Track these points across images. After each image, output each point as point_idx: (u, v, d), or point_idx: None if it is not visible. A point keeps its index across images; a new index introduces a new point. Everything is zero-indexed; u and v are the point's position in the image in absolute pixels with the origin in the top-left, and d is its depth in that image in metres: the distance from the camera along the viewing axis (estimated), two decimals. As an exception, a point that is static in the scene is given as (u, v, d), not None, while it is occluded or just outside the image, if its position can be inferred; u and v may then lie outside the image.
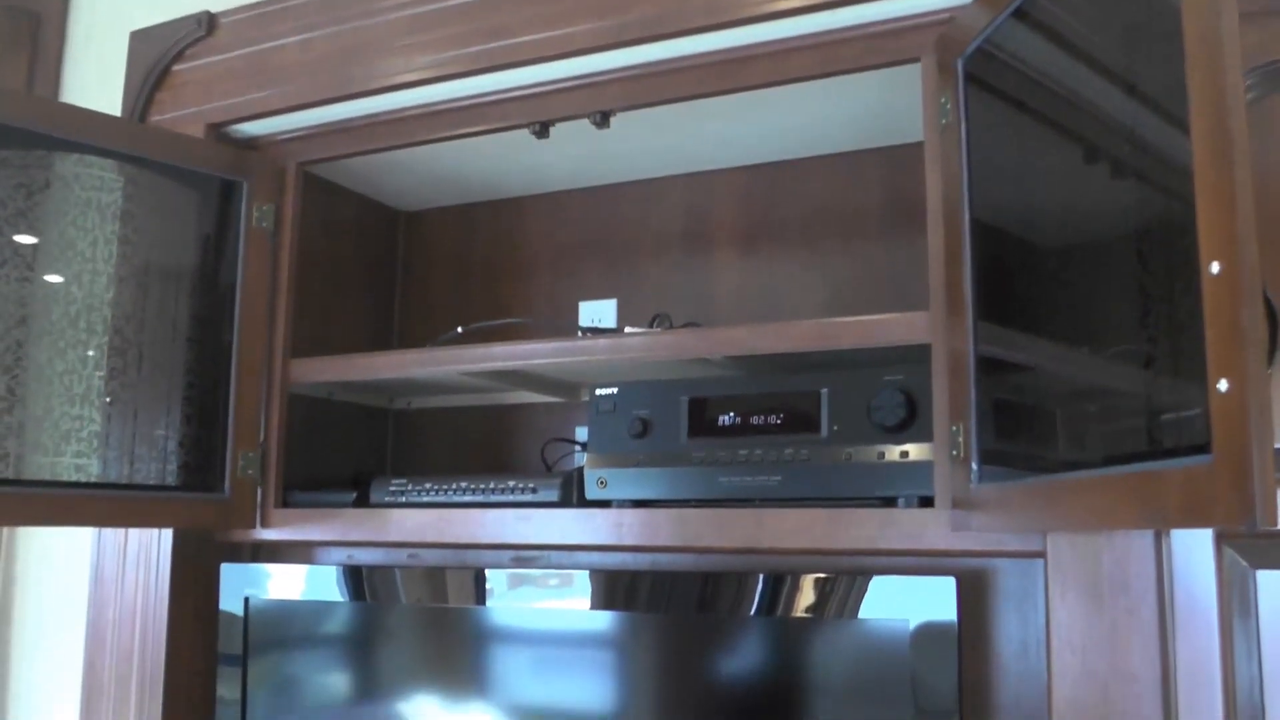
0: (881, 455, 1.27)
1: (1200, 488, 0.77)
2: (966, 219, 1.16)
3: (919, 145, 1.28)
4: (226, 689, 1.62)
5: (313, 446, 1.73)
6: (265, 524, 1.62)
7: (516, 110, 1.53)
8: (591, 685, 1.42)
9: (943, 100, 1.23)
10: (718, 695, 1.35)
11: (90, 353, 1.51)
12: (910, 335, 1.25)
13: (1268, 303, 1.00)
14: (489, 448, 1.85)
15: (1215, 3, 0.78)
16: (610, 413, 1.44)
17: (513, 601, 1.49)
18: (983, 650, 1.34)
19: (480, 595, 1.50)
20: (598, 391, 1.46)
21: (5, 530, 2.24)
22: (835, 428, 1.31)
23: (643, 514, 1.37)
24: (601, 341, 1.44)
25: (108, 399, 1.52)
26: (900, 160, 1.59)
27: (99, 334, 1.52)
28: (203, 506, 1.59)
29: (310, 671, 1.60)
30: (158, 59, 1.71)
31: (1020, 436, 1.13)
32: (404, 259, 2.00)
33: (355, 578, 1.58)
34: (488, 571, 1.50)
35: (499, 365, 1.51)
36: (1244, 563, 1.00)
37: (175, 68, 1.71)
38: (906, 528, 1.22)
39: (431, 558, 1.65)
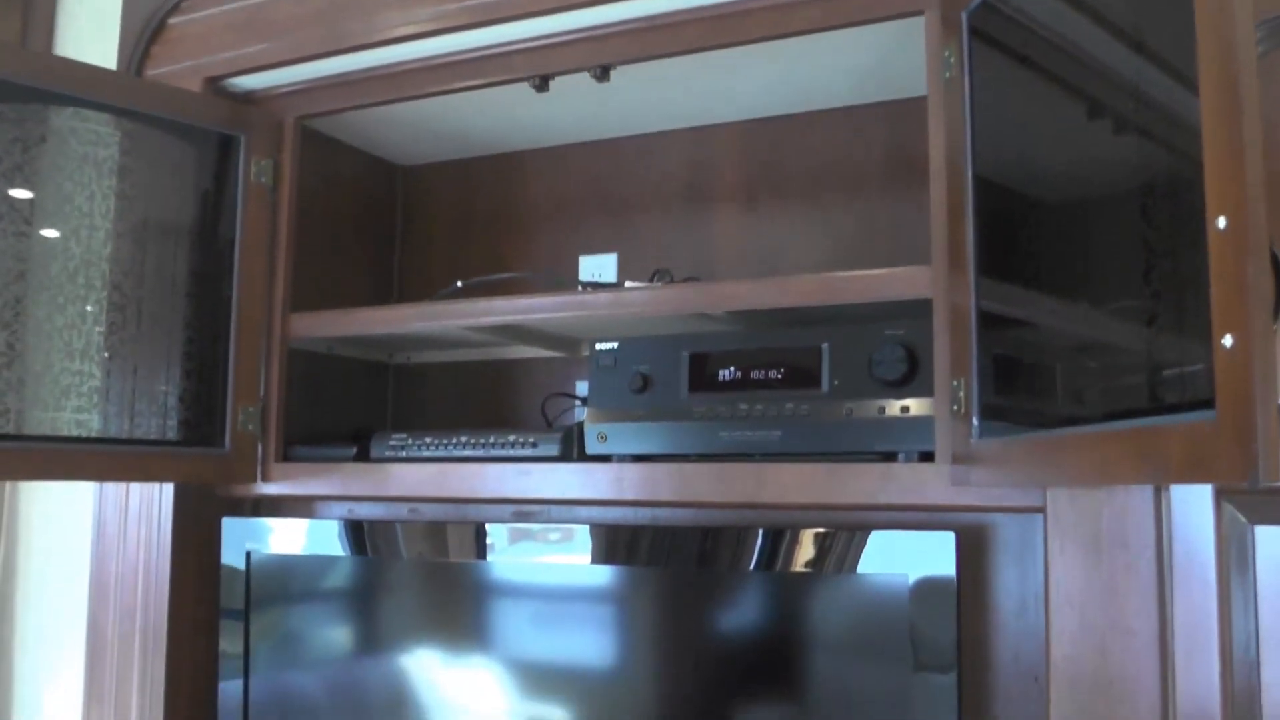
0: (882, 410, 1.27)
1: (1203, 443, 0.77)
2: (969, 174, 1.16)
3: (922, 100, 1.27)
4: (229, 643, 1.63)
5: (313, 401, 1.73)
6: (266, 478, 1.62)
7: (516, 64, 1.51)
8: (591, 639, 1.43)
9: (946, 54, 1.22)
10: (717, 649, 1.36)
11: (89, 308, 1.51)
12: (912, 290, 1.25)
13: (1273, 258, 0.99)
14: (489, 403, 1.85)
15: (1224, -45, 0.77)
16: (610, 368, 1.44)
17: (513, 556, 1.49)
18: (982, 605, 1.35)
19: (481, 550, 1.51)
20: (598, 346, 1.46)
21: (7, 486, 2.24)
22: (836, 382, 1.30)
23: (643, 469, 1.37)
24: (602, 296, 1.44)
25: (107, 354, 1.52)
26: (903, 115, 1.58)
27: (98, 289, 1.52)
28: (203, 461, 1.59)
29: (312, 625, 1.61)
30: (153, 12, 1.69)
31: (1021, 392, 1.13)
32: (404, 213, 1.99)
33: (356, 532, 1.59)
34: (488, 526, 1.51)
35: (499, 320, 1.51)
36: (1243, 518, 1.00)
37: (171, 21, 1.69)
38: (906, 482, 1.22)
39: (432, 512, 1.66)
